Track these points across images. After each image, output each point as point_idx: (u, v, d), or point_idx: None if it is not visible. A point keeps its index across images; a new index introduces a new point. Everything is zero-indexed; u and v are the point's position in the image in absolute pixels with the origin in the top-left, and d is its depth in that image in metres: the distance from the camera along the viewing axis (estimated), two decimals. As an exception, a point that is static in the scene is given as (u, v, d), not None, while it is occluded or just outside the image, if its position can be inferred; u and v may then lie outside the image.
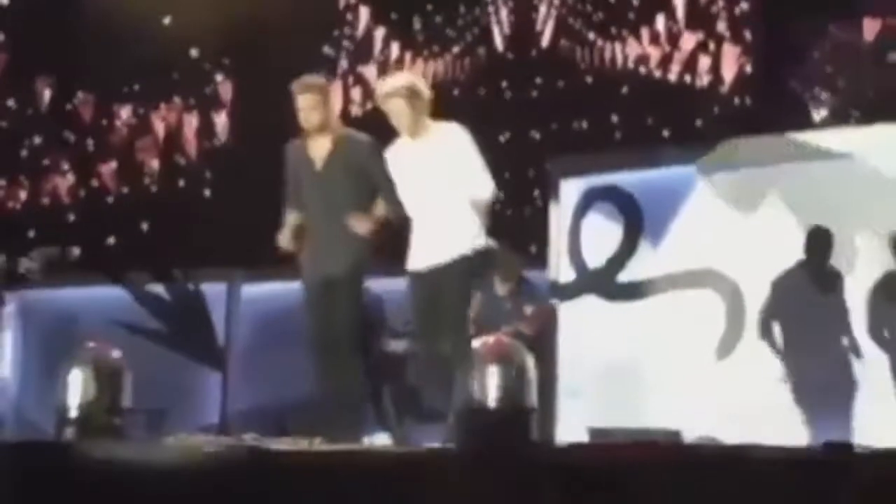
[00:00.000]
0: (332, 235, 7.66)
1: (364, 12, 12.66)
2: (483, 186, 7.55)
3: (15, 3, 13.65)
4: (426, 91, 7.69)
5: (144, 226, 13.38)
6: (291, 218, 7.79)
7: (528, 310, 9.32)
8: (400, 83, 7.73)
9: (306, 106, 7.73)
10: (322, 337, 7.72)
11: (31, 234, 13.61)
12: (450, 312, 7.54)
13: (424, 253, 7.60)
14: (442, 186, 7.53)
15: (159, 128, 13.75)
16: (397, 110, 7.60)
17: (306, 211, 7.77)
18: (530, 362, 7.21)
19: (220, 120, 13.49)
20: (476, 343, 7.35)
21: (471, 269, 7.62)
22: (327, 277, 7.67)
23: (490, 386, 7.07)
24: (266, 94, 12.45)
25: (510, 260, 9.50)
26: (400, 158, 7.69)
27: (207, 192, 13.39)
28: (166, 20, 13.24)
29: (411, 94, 7.60)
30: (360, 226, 7.52)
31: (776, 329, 8.87)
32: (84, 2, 13.10)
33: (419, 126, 7.62)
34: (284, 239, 7.70)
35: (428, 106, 7.65)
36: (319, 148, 7.73)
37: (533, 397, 7.16)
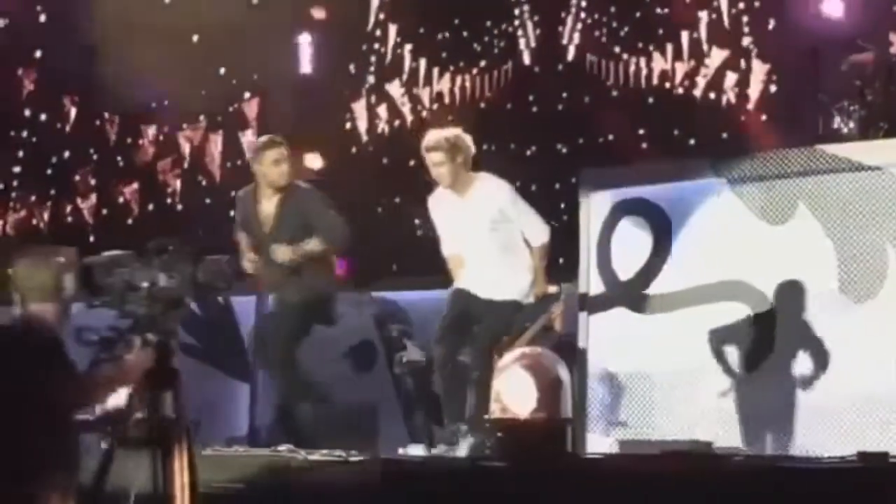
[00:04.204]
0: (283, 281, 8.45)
1: (392, 28, 12.72)
2: (540, 233, 7.89)
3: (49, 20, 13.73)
4: (468, 145, 7.95)
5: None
6: (244, 241, 8.65)
7: (555, 309, 9.43)
8: (441, 137, 7.98)
9: (278, 160, 8.20)
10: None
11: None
12: (479, 337, 7.81)
13: (476, 285, 7.81)
14: (496, 236, 7.78)
15: (185, 146, 13.82)
16: (437, 163, 7.88)
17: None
18: (565, 373, 7.27)
19: (247, 138, 13.55)
20: (511, 354, 7.44)
21: (514, 311, 7.93)
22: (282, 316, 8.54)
23: (525, 396, 7.13)
24: (291, 112, 12.57)
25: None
26: (443, 209, 7.99)
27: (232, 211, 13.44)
28: (194, 38, 13.30)
29: (451, 147, 7.86)
30: (281, 254, 8.29)
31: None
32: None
33: (458, 180, 7.93)
34: (250, 265, 8.53)
35: (469, 160, 7.92)
36: (269, 205, 8.46)
37: (568, 408, 7.21)
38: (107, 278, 5.69)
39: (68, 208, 14.19)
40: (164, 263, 5.65)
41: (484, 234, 7.90)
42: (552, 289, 9.04)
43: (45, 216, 14.25)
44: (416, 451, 7.98)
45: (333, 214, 8.36)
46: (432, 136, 8.05)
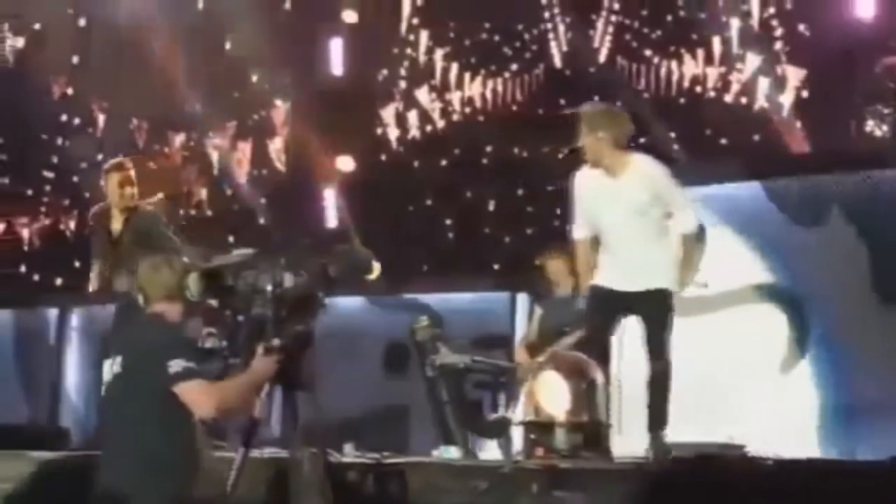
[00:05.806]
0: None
1: (424, 33, 12.71)
2: (689, 220, 7.39)
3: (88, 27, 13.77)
4: (615, 123, 7.39)
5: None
6: (97, 268, 8.96)
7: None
8: (581, 109, 7.47)
9: (123, 182, 8.72)
10: None
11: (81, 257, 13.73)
12: (650, 337, 7.44)
13: (621, 277, 7.40)
14: (645, 221, 7.32)
15: (213, 153, 13.85)
16: (579, 135, 7.42)
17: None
18: (600, 376, 7.21)
19: (275, 146, 13.55)
20: (545, 356, 7.39)
21: (671, 300, 7.46)
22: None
23: (559, 399, 7.09)
24: (321, 119, 12.59)
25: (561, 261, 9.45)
26: (586, 187, 7.41)
27: (262, 219, 13.48)
28: (227, 45, 13.32)
29: (589, 120, 7.33)
30: None
31: None
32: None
33: (603, 157, 7.32)
34: (93, 285, 9.00)
35: (621, 138, 7.39)
36: (117, 222, 8.80)
37: (603, 411, 7.17)
38: (232, 281, 5.51)
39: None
40: (290, 262, 5.44)
41: (632, 217, 7.37)
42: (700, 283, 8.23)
43: (72, 224, 14.30)
44: (450, 452, 7.96)
45: (171, 237, 8.65)
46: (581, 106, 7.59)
